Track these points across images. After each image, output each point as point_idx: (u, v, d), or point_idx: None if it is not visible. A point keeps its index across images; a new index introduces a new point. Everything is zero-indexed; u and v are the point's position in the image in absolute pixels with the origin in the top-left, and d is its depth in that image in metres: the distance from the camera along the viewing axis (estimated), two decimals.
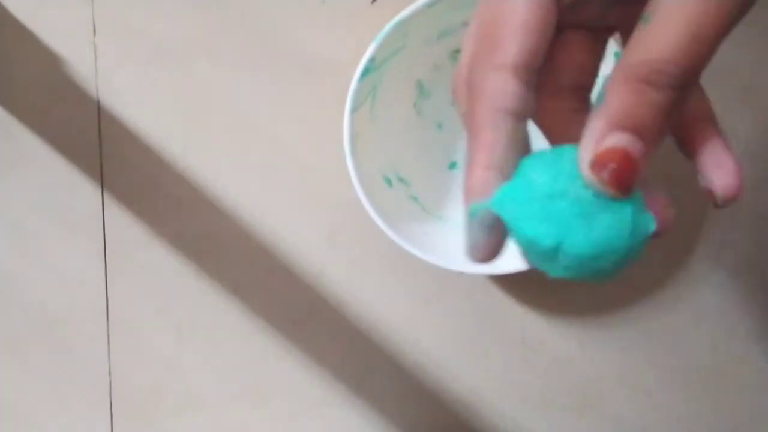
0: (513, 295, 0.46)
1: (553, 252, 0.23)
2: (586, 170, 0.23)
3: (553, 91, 0.26)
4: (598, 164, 0.23)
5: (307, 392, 0.47)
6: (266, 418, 0.48)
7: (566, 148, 0.24)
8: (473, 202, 0.24)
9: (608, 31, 0.27)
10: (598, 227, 0.23)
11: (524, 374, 0.47)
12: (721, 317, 0.46)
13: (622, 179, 0.23)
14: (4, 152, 0.47)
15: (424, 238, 0.43)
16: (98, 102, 0.47)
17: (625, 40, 0.26)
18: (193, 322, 0.47)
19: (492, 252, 0.25)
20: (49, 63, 0.47)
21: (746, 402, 0.46)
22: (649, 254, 0.46)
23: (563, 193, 0.23)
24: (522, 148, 0.25)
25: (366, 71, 0.41)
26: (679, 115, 0.25)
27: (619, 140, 0.23)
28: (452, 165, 0.46)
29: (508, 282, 0.46)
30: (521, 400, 0.47)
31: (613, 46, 0.31)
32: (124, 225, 0.47)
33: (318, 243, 0.47)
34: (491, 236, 0.25)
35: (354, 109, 0.41)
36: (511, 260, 0.30)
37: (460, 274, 0.46)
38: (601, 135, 0.23)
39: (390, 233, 0.42)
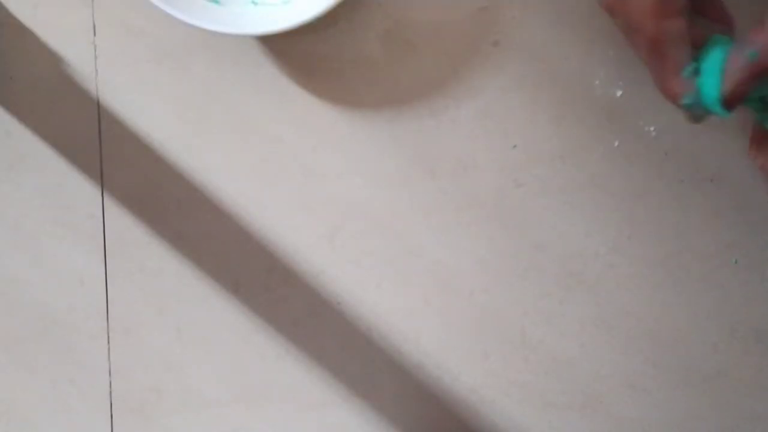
0: (513, 295, 0.46)
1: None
2: (724, 97, 0.36)
3: None
4: (733, 101, 0.36)
5: (307, 392, 0.47)
6: (266, 418, 0.48)
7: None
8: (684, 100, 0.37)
9: None
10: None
11: (524, 374, 0.47)
12: (721, 317, 0.46)
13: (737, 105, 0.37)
14: (4, 152, 0.47)
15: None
16: (98, 102, 0.47)
17: None
18: (193, 322, 0.47)
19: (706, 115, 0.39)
20: (49, 63, 0.47)
21: (746, 402, 0.46)
22: (650, 253, 0.47)
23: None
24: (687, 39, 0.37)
25: None
26: None
27: (752, 85, 0.36)
28: None
29: (508, 282, 0.46)
30: (521, 400, 0.47)
31: None
32: (124, 225, 0.47)
33: (318, 243, 0.47)
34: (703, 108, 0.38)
35: None
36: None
37: (459, 274, 0.46)
38: (745, 81, 0.36)
39: None
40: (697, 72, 0.37)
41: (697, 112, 0.38)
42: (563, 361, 0.47)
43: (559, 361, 0.47)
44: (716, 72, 0.37)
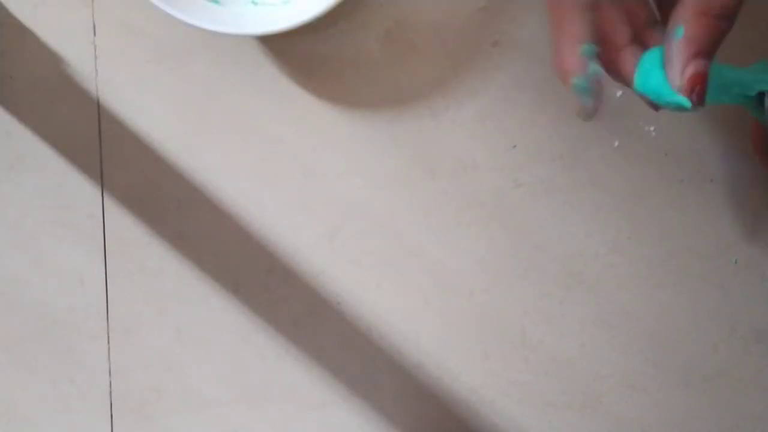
0: (513, 295, 0.46)
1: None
2: (676, 89, 0.33)
3: None
4: (687, 88, 0.33)
5: (307, 392, 0.47)
6: (266, 418, 0.48)
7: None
8: (576, 78, 0.34)
9: None
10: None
11: (524, 374, 0.47)
12: (721, 317, 0.46)
13: (702, 94, 0.33)
14: (4, 152, 0.47)
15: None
16: (98, 102, 0.47)
17: None
18: (193, 322, 0.47)
19: (596, 111, 0.35)
20: (49, 63, 0.47)
21: (746, 402, 0.46)
22: (650, 253, 0.47)
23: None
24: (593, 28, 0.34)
25: None
26: None
27: (698, 66, 0.33)
28: None
29: (508, 282, 0.46)
30: (521, 400, 0.47)
31: None
32: (124, 225, 0.47)
33: (318, 243, 0.47)
34: (597, 100, 0.34)
35: None
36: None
37: (459, 274, 0.46)
38: (685, 63, 0.33)
39: None
40: (593, 54, 0.34)
41: (587, 103, 0.35)
42: (563, 361, 0.47)
43: (559, 361, 0.47)
44: (657, 64, 0.34)
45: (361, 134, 0.46)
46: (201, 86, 0.47)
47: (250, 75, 0.46)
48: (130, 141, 0.47)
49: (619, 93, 0.45)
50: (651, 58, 0.35)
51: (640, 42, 0.36)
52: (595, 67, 0.34)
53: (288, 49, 0.46)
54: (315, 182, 0.47)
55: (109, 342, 0.48)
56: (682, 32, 0.33)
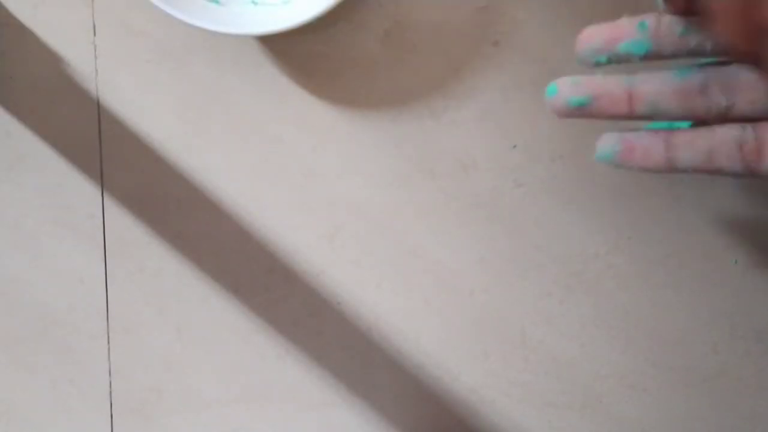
0: (513, 295, 0.46)
1: None
2: None
3: None
4: None
5: (307, 392, 0.47)
6: (266, 418, 0.48)
7: None
8: None
9: None
10: None
11: (524, 374, 0.47)
12: (721, 317, 0.46)
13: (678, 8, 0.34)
14: (4, 152, 0.47)
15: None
16: (98, 102, 0.47)
17: None
18: (193, 322, 0.47)
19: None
20: (49, 63, 0.47)
21: (746, 402, 0.46)
22: (650, 253, 0.46)
23: None
24: None
25: None
26: None
27: None
28: None
29: (508, 282, 0.46)
30: (521, 400, 0.47)
31: None
32: (124, 225, 0.47)
33: (318, 243, 0.47)
34: None
35: None
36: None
37: (459, 274, 0.46)
38: None
39: None
40: None
41: None
42: (563, 361, 0.47)
43: (559, 361, 0.47)
44: None
45: (361, 134, 0.46)
46: (201, 86, 0.47)
47: (250, 75, 0.46)
48: (130, 141, 0.47)
49: None
50: None
51: None
52: None
53: (288, 49, 0.46)
54: (315, 182, 0.47)
55: (109, 342, 0.48)
56: None
